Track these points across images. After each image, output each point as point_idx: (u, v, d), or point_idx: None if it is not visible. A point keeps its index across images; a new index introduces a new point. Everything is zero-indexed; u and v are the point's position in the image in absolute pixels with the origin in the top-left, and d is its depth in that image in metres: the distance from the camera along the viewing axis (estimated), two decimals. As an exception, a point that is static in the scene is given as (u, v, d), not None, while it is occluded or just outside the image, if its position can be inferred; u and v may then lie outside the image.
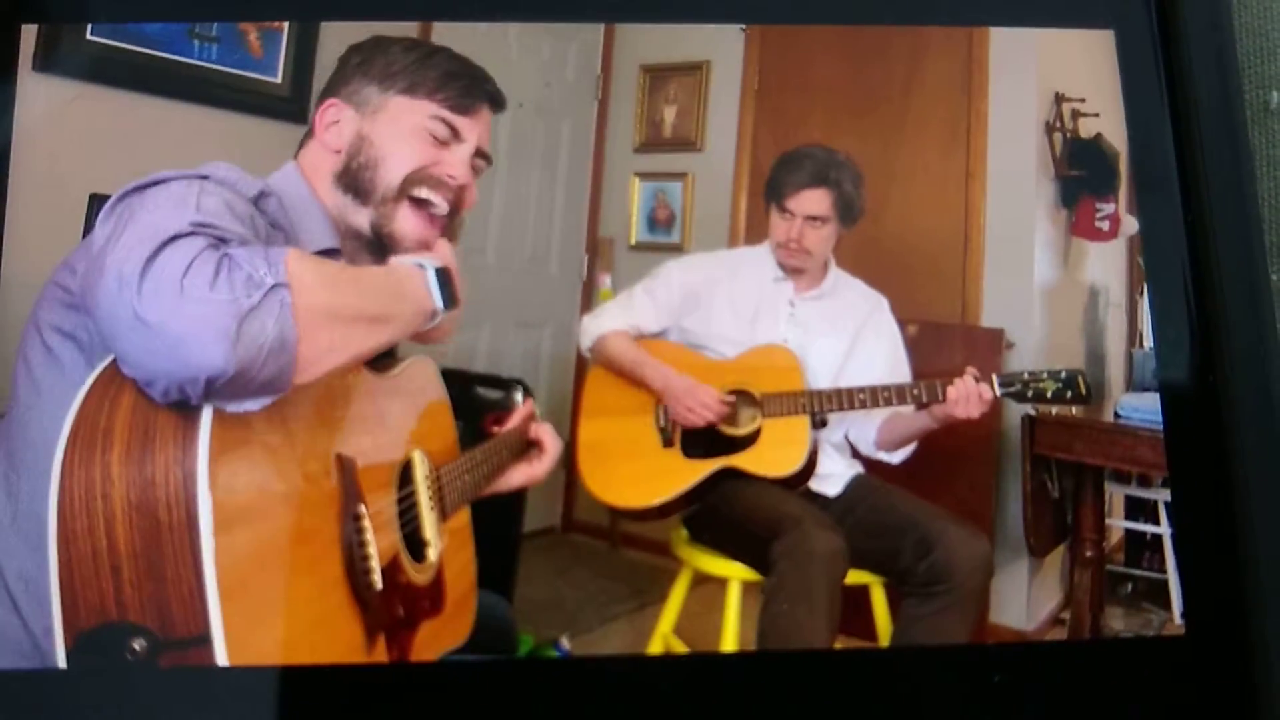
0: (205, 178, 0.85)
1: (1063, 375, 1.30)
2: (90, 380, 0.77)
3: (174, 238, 0.75)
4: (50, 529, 0.73)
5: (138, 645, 0.73)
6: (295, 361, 0.76)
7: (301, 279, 0.77)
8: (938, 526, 1.26)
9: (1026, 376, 1.31)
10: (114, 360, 0.77)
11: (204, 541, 0.73)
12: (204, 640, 0.73)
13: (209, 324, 0.72)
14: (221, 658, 0.73)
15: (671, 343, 1.42)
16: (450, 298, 0.94)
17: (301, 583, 0.81)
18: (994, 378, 1.31)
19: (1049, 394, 1.30)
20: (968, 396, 1.29)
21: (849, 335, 1.41)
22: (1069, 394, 1.30)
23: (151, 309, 0.72)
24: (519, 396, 1.22)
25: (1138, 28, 0.95)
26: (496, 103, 1.07)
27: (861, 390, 1.33)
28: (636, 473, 1.36)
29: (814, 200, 1.39)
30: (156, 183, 0.83)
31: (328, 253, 0.98)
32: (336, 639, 0.84)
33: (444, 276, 0.94)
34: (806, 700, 0.84)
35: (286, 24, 1.25)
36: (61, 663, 0.73)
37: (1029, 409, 1.42)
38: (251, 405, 0.76)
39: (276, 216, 0.92)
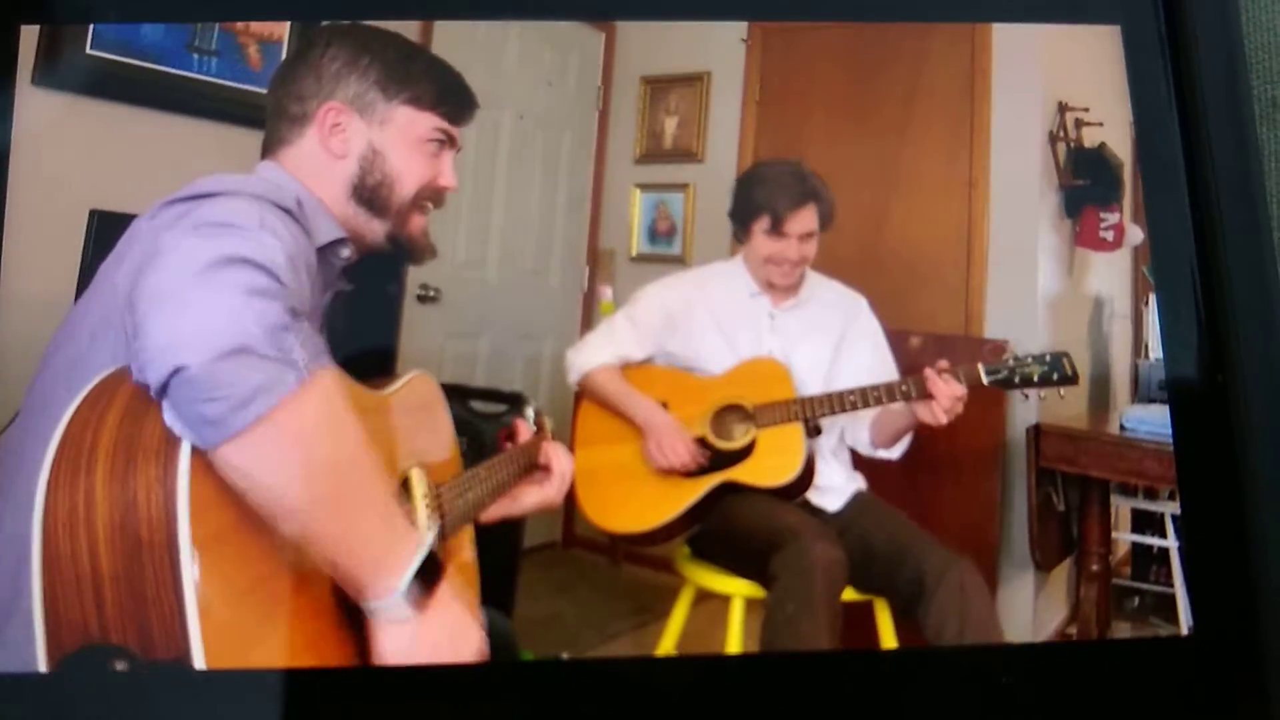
0: (261, 197, 0.85)
1: (1048, 358, 1.29)
2: (78, 398, 0.76)
3: (259, 266, 0.77)
4: (34, 551, 0.72)
5: (119, 666, 0.72)
6: (240, 429, 0.73)
7: (319, 393, 0.77)
8: (934, 574, 1.24)
9: (1012, 363, 1.30)
10: (99, 382, 0.77)
11: (184, 561, 0.72)
12: (184, 662, 0.72)
13: (223, 330, 0.74)
14: (201, 680, 0.72)
15: (661, 367, 1.42)
16: (422, 589, 0.81)
17: (289, 604, 0.80)
18: (980, 367, 1.30)
19: (1035, 378, 1.29)
20: (951, 407, 1.29)
21: (832, 341, 1.41)
22: (1055, 376, 1.29)
23: (199, 295, 0.75)
24: (530, 412, 1.20)
25: (1144, 23, 0.94)
26: (476, 105, 1.08)
27: (851, 392, 1.32)
28: (635, 496, 1.36)
29: (808, 218, 1.39)
30: (212, 194, 0.84)
31: (338, 243, 0.98)
32: (326, 661, 0.82)
33: (430, 567, 0.82)
34: (812, 703, 0.83)
35: (285, 37, 1.25)
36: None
37: (1034, 419, 1.41)
38: (185, 431, 0.74)
39: (304, 222, 0.92)
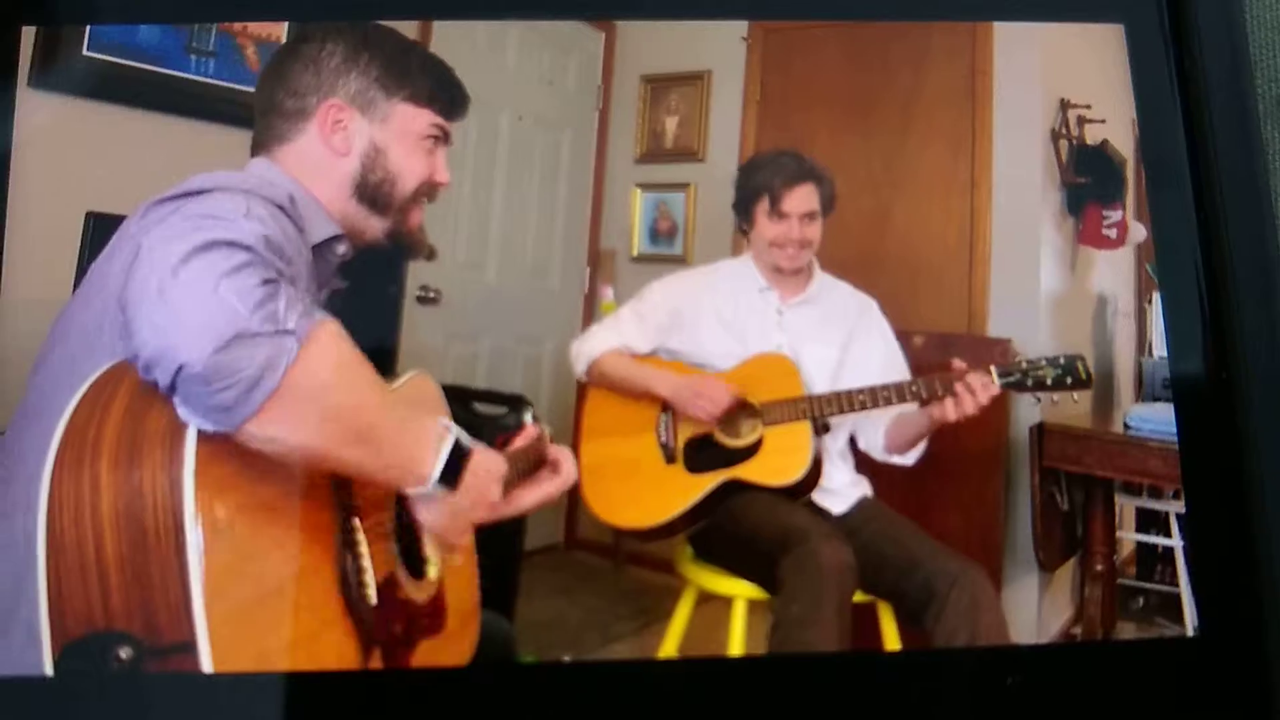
0: (250, 192, 0.86)
1: (1061, 361, 1.28)
2: (80, 393, 0.77)
3: (231, 244, 0.78)
4: (39, 539, 0.73)
5: (124, 653, 0.73)
6: (256, 409, 0.76)
7: (320, 348, 0.78)
8: (945, 582, 1.22)
9: (1025, 365, 1.29)
10: (102, 375, 0.78)
11: (190, 545, 0.73)
12: (189, 647, 0.73)
13: (211, 321, 0.75)
14: (207, 665, 0.73)
15: (666, 360, 1.41)
16: (451, 477, 0.88)
17: (293, 593, 0.80)
18: (992, 369, 1.29)
19: (1049, 381, 1.28)
20: (975, 402, 1.28)
21: (840, 341, 1.40)
22: (1069, 379, 1.28)
23: (178, 290, 0.75)
24: (528, 417, 1.20)
25: (1148, 21, 0.94)
26: (469, 100, 1.09)
27: (860, 391, 1.31)
28: (640, 491, 1.35)
29: (806, 195, 1.39)
30: (200, 191, 0.84)
31: (334, 240, 0.98)
32: (330, 653, 0.83)
33: (458, 455, 0.88)
34: (816, 705, 0.83)
35: (283, 38, 1.24)
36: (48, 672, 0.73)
37: (1037, 418, 1.41)
38: (202, 421, 0.76)
39: (297, 219, 0.92)
